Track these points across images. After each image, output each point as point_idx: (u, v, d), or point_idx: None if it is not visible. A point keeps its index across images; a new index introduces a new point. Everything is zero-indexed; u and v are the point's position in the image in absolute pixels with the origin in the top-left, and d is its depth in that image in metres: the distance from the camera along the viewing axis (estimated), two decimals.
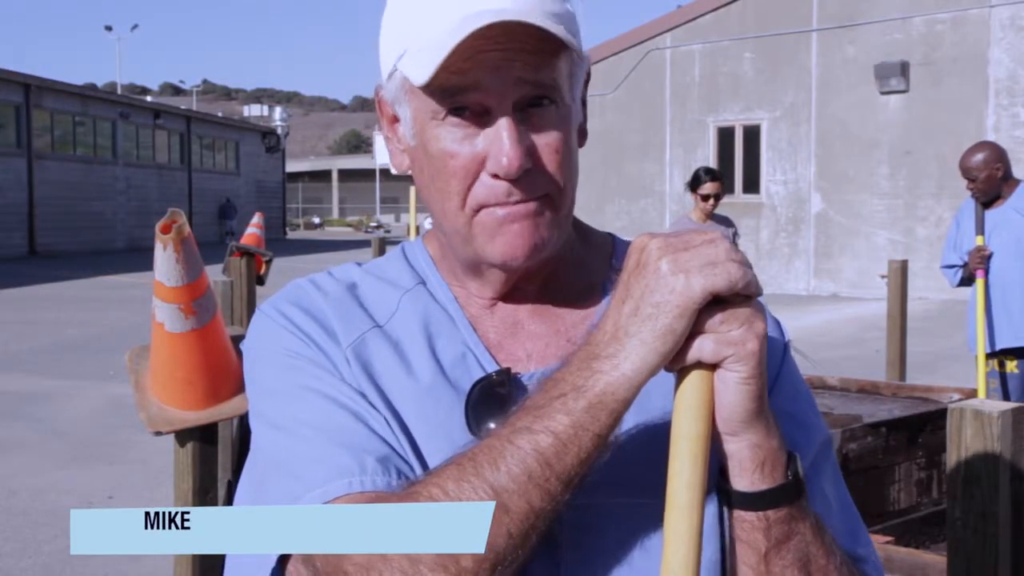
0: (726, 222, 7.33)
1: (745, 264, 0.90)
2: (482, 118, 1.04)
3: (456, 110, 1.04)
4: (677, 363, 0.91)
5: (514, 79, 1.02)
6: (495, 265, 1.09)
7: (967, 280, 5.69)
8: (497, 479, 0.91)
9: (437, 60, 0.99)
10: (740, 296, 0.90)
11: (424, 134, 1.07)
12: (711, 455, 0.92)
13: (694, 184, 7.11)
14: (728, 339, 0.89)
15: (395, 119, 1.13)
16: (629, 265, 0.92)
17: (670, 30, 19.88)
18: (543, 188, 1.05)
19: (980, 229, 5.57)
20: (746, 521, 0.96)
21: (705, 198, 7.03)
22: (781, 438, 0.95)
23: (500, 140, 1.02)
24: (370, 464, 0.99)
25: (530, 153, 1.04)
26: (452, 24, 1.00)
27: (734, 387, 0.90)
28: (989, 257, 5.55)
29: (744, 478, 0.94)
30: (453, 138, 1.05)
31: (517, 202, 1.05)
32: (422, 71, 1.01)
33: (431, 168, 1.07)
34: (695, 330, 0.89)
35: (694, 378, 0.91)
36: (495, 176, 1.04)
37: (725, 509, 0.99)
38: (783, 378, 1.14)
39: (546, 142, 1.05)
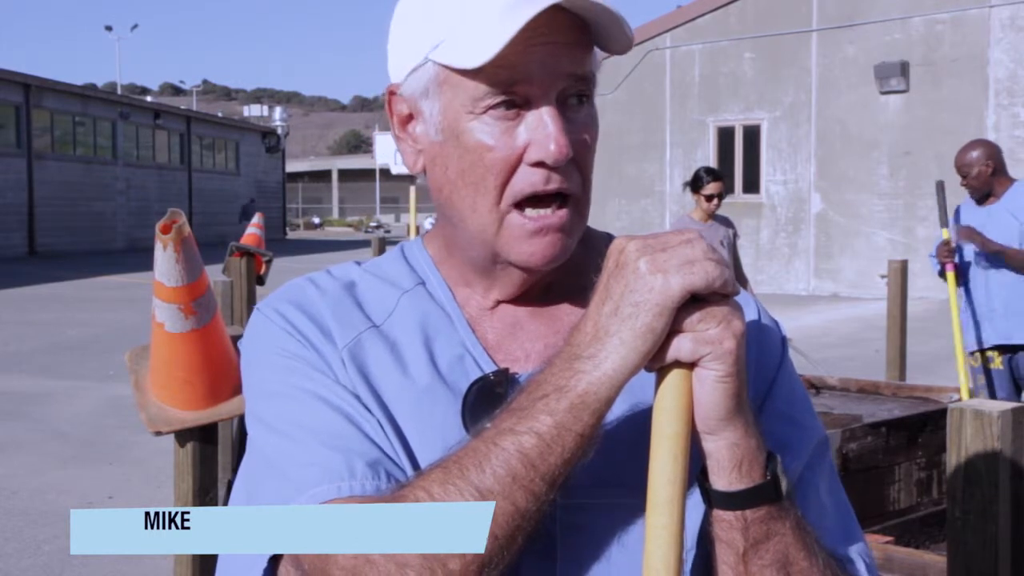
0: (726, 222, 7.32)
1: (722, 263, 0.90)
2: (521, 110, 1.03)
3: (496, 102, 1.03)
4: (657, 362, 0.91)
5: (560, 72, 1.02)
6: (518, 266, 1.08)
7: (942, 273, 5.77)
8: (482, 481, 0.91)
9: (495, 45, 0.98)
10: (718, 295, 0.90)
11: (457, 127, 1.06)
12: (694, 454, 0.92)
13: (696, 185, 7.09)
14: (706, 338, 0.90)
15: (409, 118, 1.11)
16: (608, 266, 0.93)
17: (670, 30, 19.87)
18: (577, 183, 1.06)
19: (944, 222, 5.76)
20: (724, 520, 0.96)
21: (709, 198, 7.02)
22: (760, 437, 0.95)
23: (546, 127, 1.02)
24: (360, 468, 0.99)
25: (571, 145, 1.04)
26: (503, 8, 0.99)
27: (711, 385, 0.91)
28: (956, 250, 5.65)
29: (722, 477, 0.94)
30: (491, 131, 1.04)
31: (551, 207, 1.05)
32: (476, 55, 1.00)
33: (463, 162, 1.06)
34: (674, 329, 0.90)
35: (673, 377, 0.92)
36: (538, 164, 1.03)
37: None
38: (780, 379, 1.13)
39: (581, 137, 1.05)
